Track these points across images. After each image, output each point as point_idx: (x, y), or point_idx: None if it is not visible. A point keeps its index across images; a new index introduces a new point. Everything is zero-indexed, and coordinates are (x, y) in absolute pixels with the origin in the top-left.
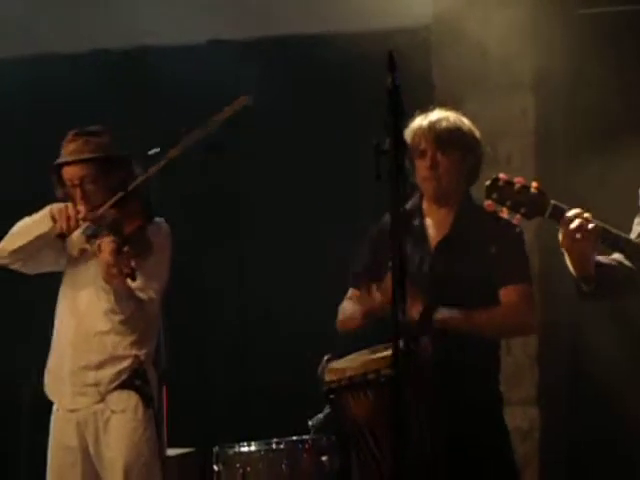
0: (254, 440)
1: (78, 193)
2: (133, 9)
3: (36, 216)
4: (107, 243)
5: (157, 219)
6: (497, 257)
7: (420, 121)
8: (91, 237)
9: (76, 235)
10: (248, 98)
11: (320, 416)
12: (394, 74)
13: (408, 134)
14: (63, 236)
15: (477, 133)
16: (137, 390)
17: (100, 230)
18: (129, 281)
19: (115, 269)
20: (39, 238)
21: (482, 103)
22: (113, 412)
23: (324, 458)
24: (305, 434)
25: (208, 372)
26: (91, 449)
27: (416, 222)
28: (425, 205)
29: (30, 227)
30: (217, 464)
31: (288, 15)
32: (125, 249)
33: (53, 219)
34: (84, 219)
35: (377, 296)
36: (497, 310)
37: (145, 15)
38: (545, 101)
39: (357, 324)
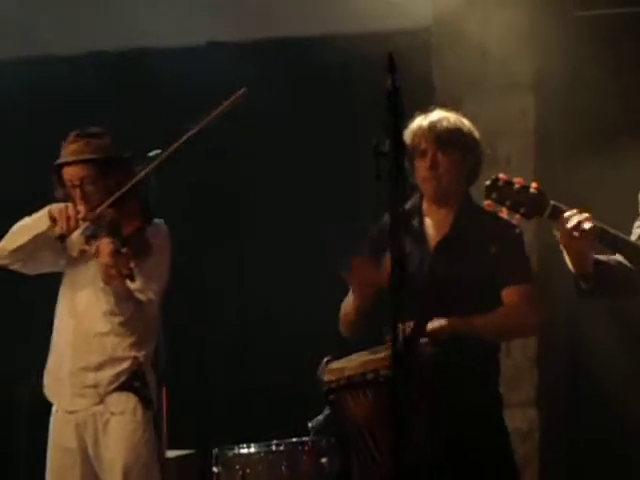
0: (254, 441)
1: (78, 193)
2: (132, 10)
3: (35, 216)
4: (106, 244)
5: (156, 220)
6: (497, 257)
7: (420, 121)
8: (90, 238)
9: (76, 236)
10: (246, 91)
11: (320, 418)
12: (394, 76)
13: (408, 134)
14: (63, 238)
15: (477, 133)
16: (136, 392)
17: (99, 231)
18: (128, 282)
19: (114, 270)
20: (38, 237)
21: (482, 104)
22: (112, 414)
23: (324, 460)
24: (305, 435)
25: (208, 372)
26: (90, 451)
27: (416, 222)
28: (425, 205)
29: (29, 226)
30: (216, 466)
31: (288, 16)
32: (124, 250)
33: (53, 219)
34: (84, 219)
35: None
36: (498, 312)
37: (144, 16)
38: (544, 102)
39: (351, 318)
